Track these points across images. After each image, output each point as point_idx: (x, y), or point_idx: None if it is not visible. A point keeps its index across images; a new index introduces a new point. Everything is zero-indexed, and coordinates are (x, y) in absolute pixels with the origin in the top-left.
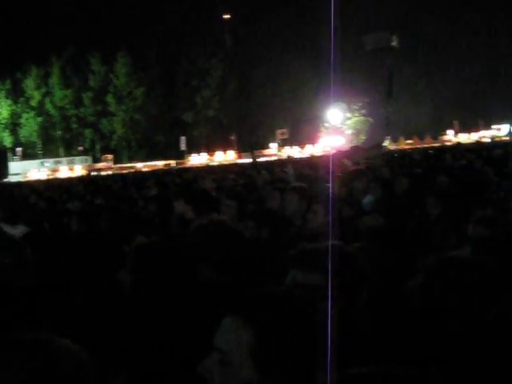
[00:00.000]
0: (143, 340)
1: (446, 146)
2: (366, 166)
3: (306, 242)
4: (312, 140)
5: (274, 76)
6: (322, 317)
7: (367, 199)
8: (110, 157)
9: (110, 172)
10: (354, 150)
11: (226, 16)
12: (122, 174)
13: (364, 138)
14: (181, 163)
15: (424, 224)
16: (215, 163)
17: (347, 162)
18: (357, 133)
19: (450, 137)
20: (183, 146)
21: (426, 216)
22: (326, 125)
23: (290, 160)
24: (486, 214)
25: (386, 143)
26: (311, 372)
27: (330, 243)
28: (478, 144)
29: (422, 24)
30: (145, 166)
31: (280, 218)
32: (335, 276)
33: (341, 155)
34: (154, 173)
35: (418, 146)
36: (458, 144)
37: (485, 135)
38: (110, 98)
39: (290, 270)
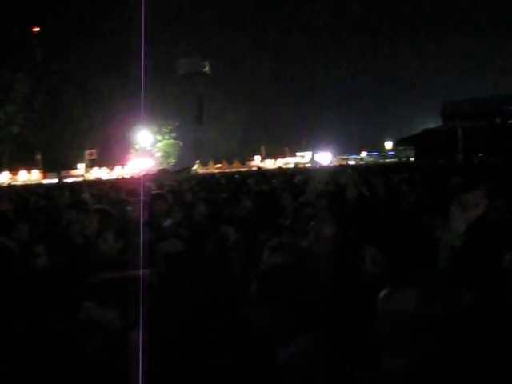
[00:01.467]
0: None
1: (253, 171)
2: (168, 190)
3: (100, 270)
4: (121, 162)
5: (83, 94)
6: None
7: (168, 223)
8: None
9: None
10: (162, 172)
11: (36, 29)
12: None
13: (174, 160)
14: None
15: (222, 249)
16: (18, 183)
17: (151, 185)
18: (167, 156)
19: (257, 162)
20: None
21: (224, 241)
22: (136, 147)
23: (87, 183)
24: (280, 240)
25: (196, 167)
26: None
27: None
28: (281, 170)
29: (233, 51)
30: None
31: (73, 243)
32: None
33: (147, 178)
34: None
35: (226, 171)
36: (259, 169)
37: (289, 162)
38: None
39: (85, 303)
